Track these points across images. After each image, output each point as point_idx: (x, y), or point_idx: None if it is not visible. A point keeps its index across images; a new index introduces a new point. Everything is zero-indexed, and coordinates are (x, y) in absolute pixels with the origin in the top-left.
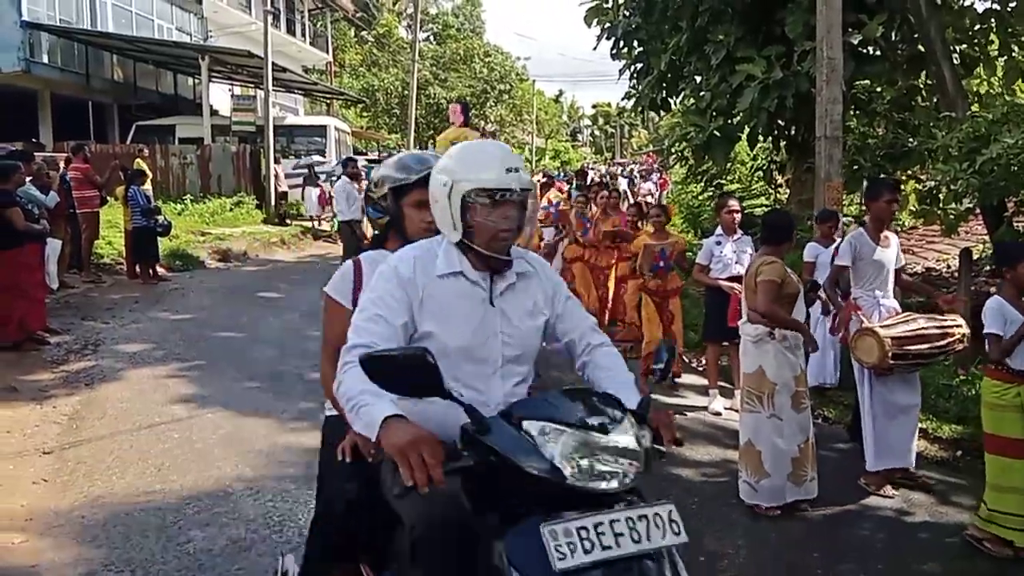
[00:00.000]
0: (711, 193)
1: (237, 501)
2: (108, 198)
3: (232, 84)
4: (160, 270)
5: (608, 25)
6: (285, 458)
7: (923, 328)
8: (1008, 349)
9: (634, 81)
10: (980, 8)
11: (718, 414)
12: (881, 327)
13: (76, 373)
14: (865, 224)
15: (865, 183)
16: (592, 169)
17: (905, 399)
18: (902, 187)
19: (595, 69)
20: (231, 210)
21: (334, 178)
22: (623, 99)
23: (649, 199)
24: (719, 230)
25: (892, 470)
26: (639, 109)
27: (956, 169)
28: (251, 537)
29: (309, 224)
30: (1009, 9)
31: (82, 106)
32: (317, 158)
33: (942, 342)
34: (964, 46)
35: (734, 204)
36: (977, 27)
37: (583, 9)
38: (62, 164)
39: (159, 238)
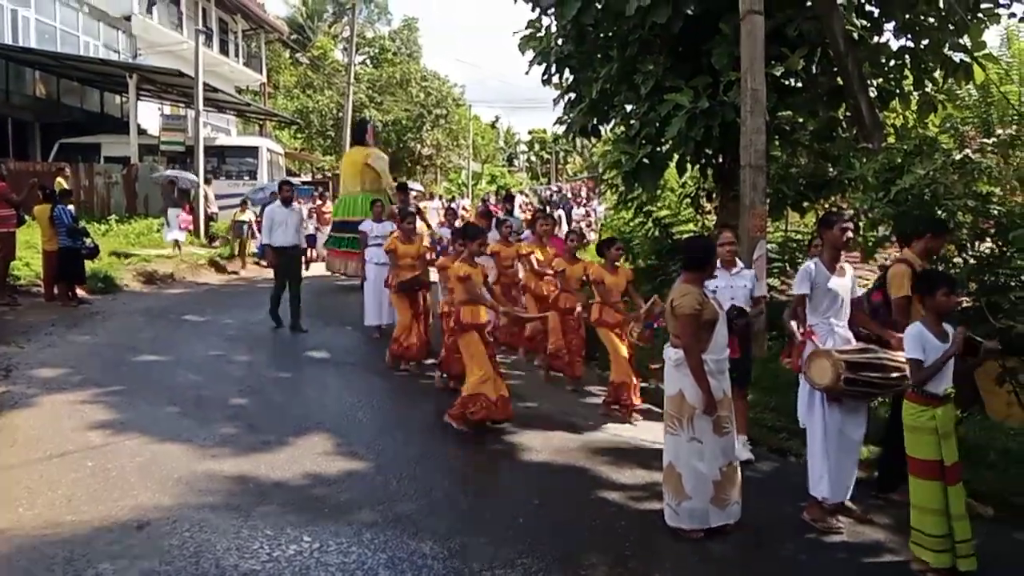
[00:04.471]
0: (641, 220)
1: (152, 532)
2: (26, 217)
3: (162, 103)
4: (81, 292)
5: (540, 51)
6: (205, 486)
7: (877, 357)
8: (927, 377)
9: (567, 108)
10: (895, 45)
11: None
12: (836, 350)
13: None
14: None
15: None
16: (523, 194)
17: (853, 433)
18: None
19: (533, 96)
20: (158, 231)
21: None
22: (555, 124)
23: (583, 226)
24: None
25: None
26: (570, 136)
27: (873, 198)
28: (164, 569)
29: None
30: (922, 46)
31: (1, 123)
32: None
33: (895, 375)
34: (880, 80)
35: (729, 236)
36: (892, 63)
37: (519, 37)
38: None
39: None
